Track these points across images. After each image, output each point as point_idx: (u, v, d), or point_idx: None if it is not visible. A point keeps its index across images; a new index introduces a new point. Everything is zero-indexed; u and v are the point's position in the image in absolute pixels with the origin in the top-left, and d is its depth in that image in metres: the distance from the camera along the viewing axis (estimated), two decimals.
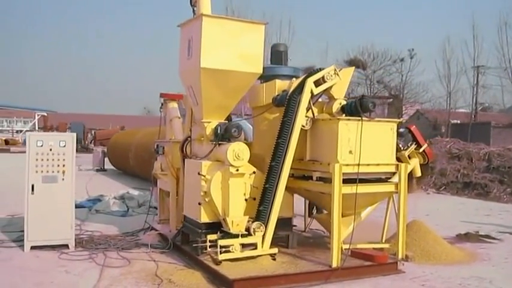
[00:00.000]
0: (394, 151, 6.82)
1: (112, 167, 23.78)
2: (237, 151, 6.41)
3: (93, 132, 56.38)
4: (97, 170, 24.25)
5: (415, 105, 49.24)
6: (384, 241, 7.55)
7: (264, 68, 7.84)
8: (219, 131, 6.74)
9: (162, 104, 9.34)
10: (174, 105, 9.22)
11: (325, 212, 7.65)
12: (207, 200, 6.58)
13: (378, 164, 6.63)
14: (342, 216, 6.89)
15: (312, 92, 6.75)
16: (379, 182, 6.84)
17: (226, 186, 6.51)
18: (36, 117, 58.41)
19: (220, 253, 6.20)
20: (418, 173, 7.84)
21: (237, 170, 6.46)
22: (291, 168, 7.10)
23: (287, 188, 7.25)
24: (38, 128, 56.05)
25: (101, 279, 6.11)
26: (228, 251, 6.27)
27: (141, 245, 7.80)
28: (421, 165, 17.32)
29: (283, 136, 6.63)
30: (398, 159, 7.66)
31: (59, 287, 5.92)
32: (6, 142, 50.22)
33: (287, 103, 6.77)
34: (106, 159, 24.70)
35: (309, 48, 75.45)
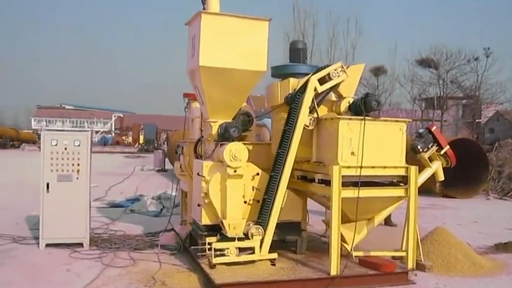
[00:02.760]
0: (403, 153, 6.33)
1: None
2: (234, 151, 6.20)
3: (167, 133, 58.16)
4: (158, 171, 24.88)
5: (491, 106, 46.54)
6: (403, 249, 7.07)
7: (281, 66, 7.62)
8: (219, 131, 6.57)
9: (186, 104, 9.30)
10: (197, 105, 9.11)
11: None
12: (206, 201, 6.42)
13: (384, 167, 6.17)
14: (352, 221, 6.56)
15: (316, 90, 6.41)
16: (392, 186, 6.38)
17: (225, 188, 6.32)
18: (113, 118, 61.10)
19: (215, 256, 6.03)
20: (441, 177, 7.23)
21: (235, 171, 6.24)
22: (300, 170, 6.85)
23: (297, 191, 7.00)
24: (114, 128, 58.67)
25: (96, 279, 6.12)
26: (224, 255, 6.08)
27: (156, 246, 7.78)
28: (481, 169, 16.36)
29: (286, 136, 6.35)
30: (418, 161, 7.17)
31: (52, 284, 6.00)
32: None
33: (291, 102, 6.48)
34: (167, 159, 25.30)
35: (377, 47, 73.46)
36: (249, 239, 6.17)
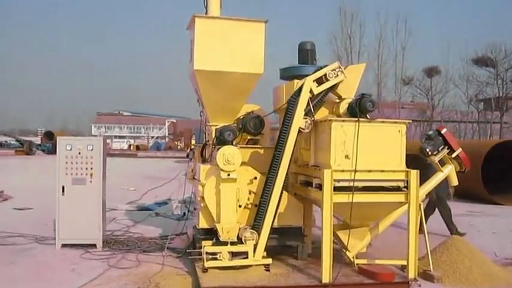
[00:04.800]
0: (403, 156, 6.04)
1: None
2: (227, 155, 6.14)
3: None
4: None
5: None
6: None
7: (289, 68, 7.51)
8: (216, 134, 6.55)
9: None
10: None
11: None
12: (202, 205, 6.42)
13: (382, 171, 5.92)
14: (354, 227, 6.39)
15: (312, 92, 6.26)
16: (390, 191, 6.12)
17: (219, 192, 6.28)
18: (166, 124, 62.47)
19: (208, 260, 6.01)
20: (455, 181, 6.87)
21: (228, 175, 6.19)
22: (303, 174, 6.73)
23: (297, 196, 6.87)
24: (168, 134, 59.89)
25: (95, 279, 6.25)
26: (216, 259, 6.05)
27: (166, 248, 7.82)
28: None
29: (281, 140, 6.24)
30: (429, 165, 6.88)
31: (52, 282, 6.18)
32: (138, 148, 54.57)
33: (287, 104, 6.37)
34: None
35: (429, 47, 71.04)
36: (243, 243, 6.11)
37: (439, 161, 6.77)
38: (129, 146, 61.94)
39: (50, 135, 51.69)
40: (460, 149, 6.70)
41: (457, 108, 41.69)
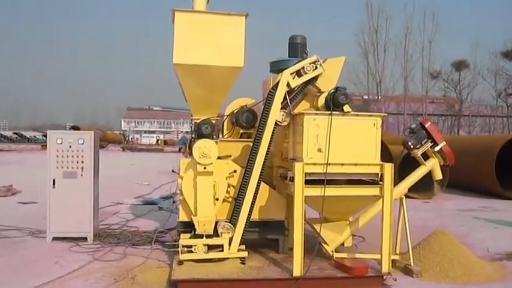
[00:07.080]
0: (378, 149, 5.94)
1: None
2: (203, 148, 6.16)
3: None
4: None
5: None
6: (398, 252, 6.72)
7: (278, 61, 7.48)
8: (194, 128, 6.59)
9: None
10: None
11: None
12: (181, 198, 6.47)
13: (355, 164, 5.83)
14: (329, 221, 6.36)
15: (289, 85, 6.21)
16: (364, 184, 6.04)
17: (196, 185, 6.31)
18: None
19: (183, 253, 6.06)
20: (439, 176, 6.72)
21: (205, 168, 6.21)
22: (282, 167, 6.72)
23: (279, 190, 6.85)
24: None
25: (74, 271, 6.34)
26: (192, 251, 6.09)
27: (157, 242, 7.87)
28: None
29: (259, 132, 6.23)
30: (413, 159, 6.76)
31: (31, 274, 6.25)
32: (165, 142, 55.19)
33: (266, 97, 6.34)
34: None
35: (457, 40, 69.27)
36: (218, 236, 6.14)
37: (423, 155, 6.66)
38: (157, 140, 62.66)
39: (76, 130, 52.78)
40: (443, 143, 6.56)
41: (486, 103, 40.67)
